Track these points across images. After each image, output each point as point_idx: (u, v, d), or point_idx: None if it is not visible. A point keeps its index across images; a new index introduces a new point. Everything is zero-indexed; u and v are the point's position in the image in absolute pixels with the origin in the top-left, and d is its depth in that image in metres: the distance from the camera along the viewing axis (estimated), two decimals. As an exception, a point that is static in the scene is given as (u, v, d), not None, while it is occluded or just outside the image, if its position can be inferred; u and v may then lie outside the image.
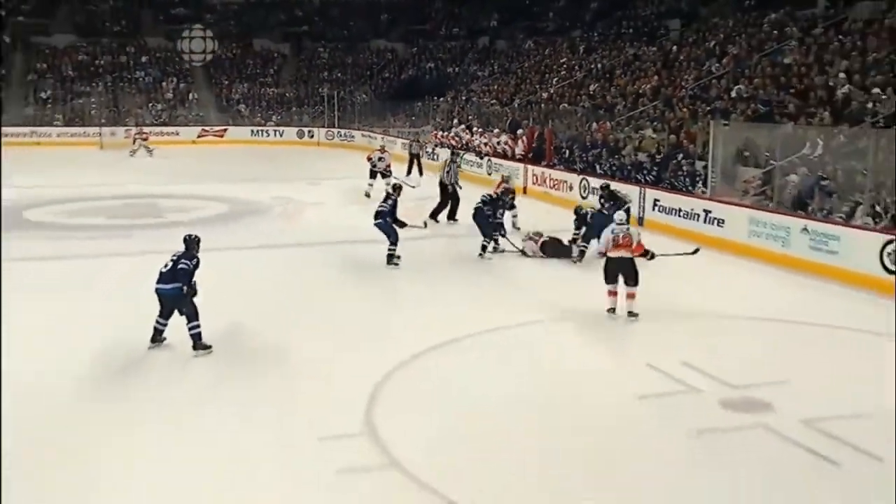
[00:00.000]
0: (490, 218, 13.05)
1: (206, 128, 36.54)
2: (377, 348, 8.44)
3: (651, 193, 15.48)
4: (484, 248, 12.90)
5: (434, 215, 15.65)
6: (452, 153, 17.43)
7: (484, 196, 13.42)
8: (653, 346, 8.59)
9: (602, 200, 13.98)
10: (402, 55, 42.82)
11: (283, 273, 12.09)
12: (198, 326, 8.26)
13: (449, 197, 15.95)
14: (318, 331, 9.20)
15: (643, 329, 9.35)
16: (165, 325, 8.41)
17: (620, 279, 9.53)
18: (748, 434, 6.61)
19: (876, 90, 14.96)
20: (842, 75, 16.16)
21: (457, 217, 15.76)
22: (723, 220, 13.66)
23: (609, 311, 9.58)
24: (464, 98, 32.63)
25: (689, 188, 15.22)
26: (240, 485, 5.83)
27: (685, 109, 18.81)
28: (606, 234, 9.69)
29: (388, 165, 19.24)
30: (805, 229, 12.09)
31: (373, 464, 6.08)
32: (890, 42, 16.71)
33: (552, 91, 26.99)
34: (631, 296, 9.55)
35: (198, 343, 8.26)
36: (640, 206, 15.50)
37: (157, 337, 8.43)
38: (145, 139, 30.22)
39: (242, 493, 5.73)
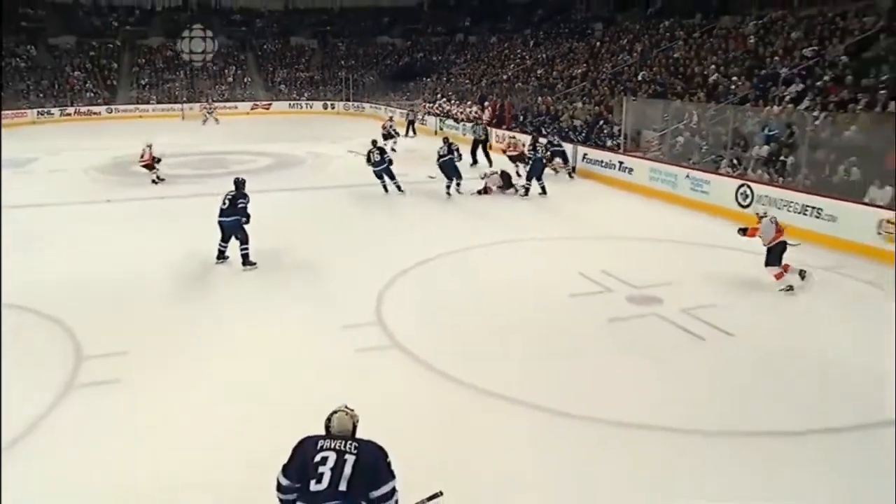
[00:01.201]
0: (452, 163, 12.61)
1: (257, 103, 35.62)
2: (383, 262, 8.39)
3: (581, 149, 15.27)
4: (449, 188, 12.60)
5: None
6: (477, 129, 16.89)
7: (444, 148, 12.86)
8: (582, 259, 8.57)
9: (531, 149, 13.32)
10: (399, 47, 41.55)
11: (313, 208, 11.95)
12: (248, 248, 8.17)
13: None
14: (339, 248, 9.19)
15: (576, 247, 9.36)
16: (226, 247, 8.34)
17: None
18: (645, 320, 6.71)
19: (735, 78, 14.86)
20: (712, 67, 15.95)
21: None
22: (631, 169, 13.56)
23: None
24: (445, 79, 31.81)
25: (608, 146, 15.06)
26: (283, 359, 5.88)
27: (605, 89, 18.47)
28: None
29: (395, 128, 19.24)
30: (687, 176, 12.05)
31: (382, 344, 6.14)
32: (743, 45, 16.53)
33: (510, 74, 26.35)
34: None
35: (247, 261, 8.18)
36: (574, 158, 15.35)
37: (221, 256, 8.37)
38: (211, 112, 29.54)
39: (286, 365, 5.78)
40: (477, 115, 21.58)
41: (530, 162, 12.85)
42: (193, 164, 16.62)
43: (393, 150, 16.93)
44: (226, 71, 38.50)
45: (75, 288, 7.50)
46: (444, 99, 25.68)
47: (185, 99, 34.63)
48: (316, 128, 26.78)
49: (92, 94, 34.03)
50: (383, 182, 12.88)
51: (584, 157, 15.10)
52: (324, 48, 42.25)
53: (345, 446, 3.04)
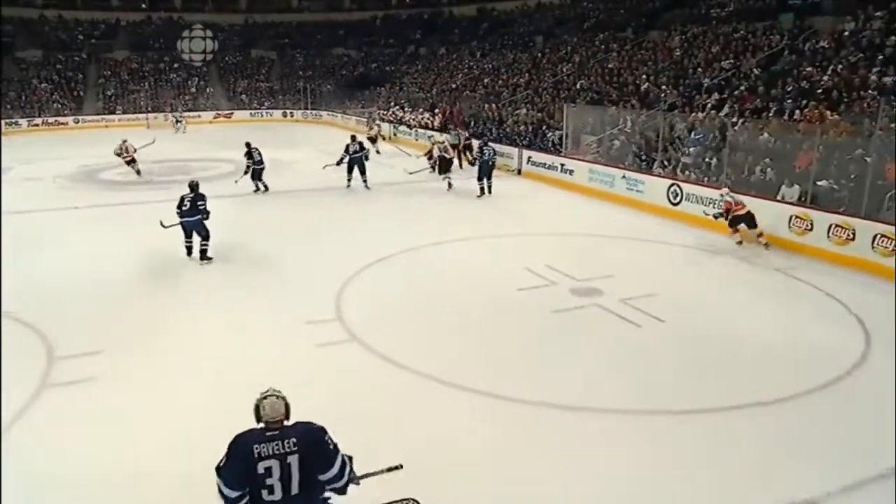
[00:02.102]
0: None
1: (219, 112, 34.80)
2: (342, 260, 8.28)
3: (526, 153, 15.38)
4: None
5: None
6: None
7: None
8: (529, 255, 8.59)
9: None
10: (354, 58, 41.06)
11: (274, 210, 11.78)
12: (207, 245, 8.41)
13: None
14: (300, 248, 9.05)
15: (523, 243, 9.38)
16: (191, 242, 8.52)
17: None
18: (586, 311, 6.79)
19: (664, 87, 15.14)
20: (644, 76, 16.28)
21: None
22: (572, 171, 13.68)
23: None
24: (398, 88, 31.65)
25: (551, 149, 15.23)
26: (248, 354, 5.75)
27: (547, 96, 18.65)
28: None
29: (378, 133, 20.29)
30: (623, 176, 12.27)
31: (342, 338, 6.06)
32: (670, 57, 16.91)
33: (458, 83, 26.37)
34: None
35: (205, 256, 8.42)
36: (518, 160, 15.46)
37: (190, 252, 8.54)
38: (180, 120, 29.07)
39: (250, 359, 5.65)
40: (428, 121, 21.55)
41: (478, 164, 12.91)
42: (158, 170, 16.08)
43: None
44: (189, 82, 37.59)
45: (49, 290, 7.23)
46: (398, 107, 25.54)
47: (149, 109, 33.75)
48: (276, 135, 26.21)
49: (59, 105, 32.90)
50: (350, 176, 13.43)
51: (528, 160, 15.23)
52: (283, 60, 41.48)
53: (283, 447, 2.81)
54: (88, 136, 26.35)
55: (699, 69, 15.25)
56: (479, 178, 12.67)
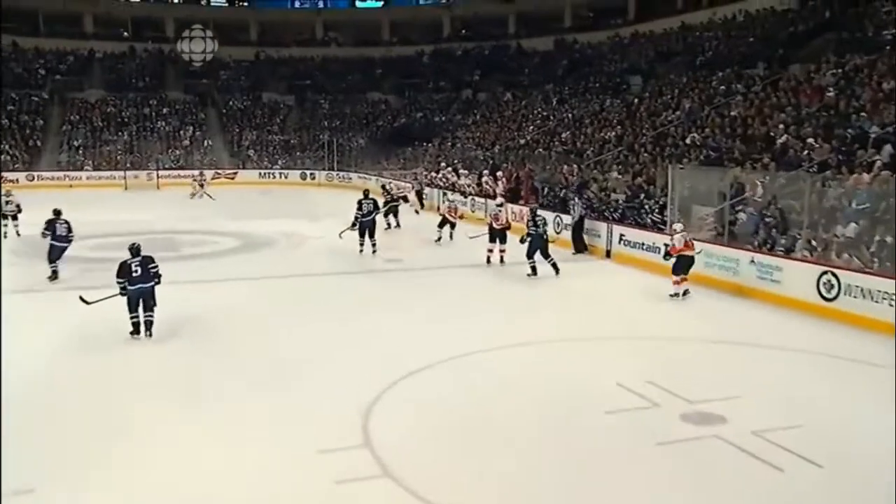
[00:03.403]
0: None
1: (219, 171, 36.44)
2: (371, 366, 8.40)
3: (618, 229, 15.56)
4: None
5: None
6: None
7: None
8: (621, 366, 8.57)
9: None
10: (394, 105, 43.05)
11: (285, 299, 12.16)
12: (154, 315, 9.51)
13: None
14: (316, 350, 9.20)
15: (612, 350, 9.37)
16: (139, 315, 9.44)
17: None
18: (704, 444, 6.62)
19: (810, 140, 15.12)
20: (780, 126, 16.40)
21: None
22: (680, 253, 13.72)
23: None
24: (449, 143, 32.79)
25: (651, 224, 15.31)
26: (240, 498, 5.75)
27: (646, 155, 18.98)
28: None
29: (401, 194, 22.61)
30: (752, 261, 12.19)
31: (369, 474, 6.03)
32: (819, 99, 16.99)
33: (528, 138, 27.17)
34: None
35: (150, 330, 9.46)
36: (608, 240, 15.59)
37: (139, 329, 9.47)
38: (203, 184, 29.90)
39: (243, 501, 5.68)
40: (489, 187, 22.11)
41: (529, 238, 13.47)
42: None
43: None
44: (181, 132, 39.66)
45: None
46: (449, 168, 26.32)
47: (128, 165, 35.53)
48: (292, 202, 27.40)
49: (8, 158, 34.64)
50: (363, 240, 15.58)
51: (620, 238, 15.35)
52: (302, 106, 43.77)
53: None
54: (45, 199, 27.79)
55: (862, 114, 15.22)
56: (529, 256, 13.44)
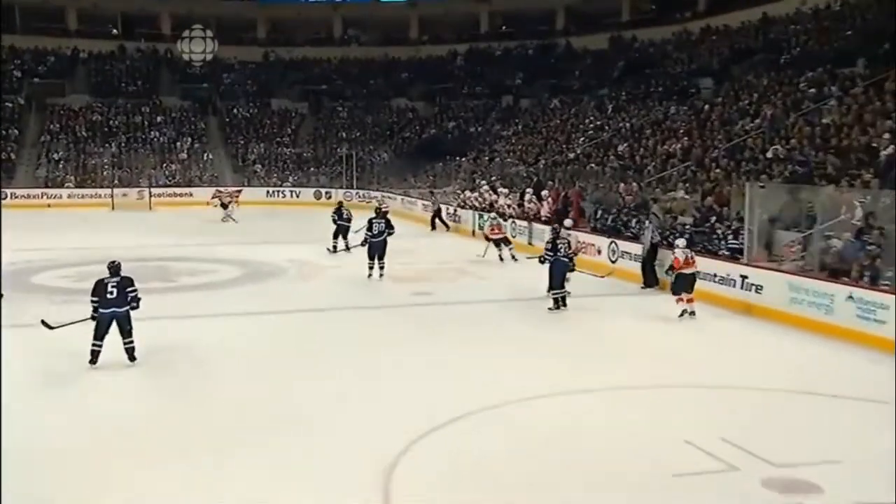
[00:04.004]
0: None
1: (221, 189, 36.73)
2: (394, 416, 8.38)
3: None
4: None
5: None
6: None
7: None
8: (690, 420, 8.44)
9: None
10: (423, 114, 43.42)
11: (294, 337, 12.18)
12: (133, 342, 10.00)
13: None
14: (330, 397, 9.17)
15: (681, 401, 9.25)
16: (102, 344, 9.90)
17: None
18: (794, 517, 6.45)
19: (921, 152, 14.94)
20: (886, 136, 16.16)
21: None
22: (761, 287, 13.53)
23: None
24: (486, 158, 32.88)
25: (725, 252, 15.11)
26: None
27: (719, 171, 18.82)
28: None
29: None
30: (850, 297, 11.95)
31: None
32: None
33: (579, 151, 27.15)
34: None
35: (133, 355, 10.00)
36: (672, 270, 15.39)
37: (97, 357, 9.89)
38: (228, 203, 29.97)
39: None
40: (532, 208, 22.06)
41: (548, 263, 13.83)
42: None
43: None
44: (178, 143, 40.37)
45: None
46: (487, 186, 26.26)
47: (116, 181, 36.17)
48: (304, 225, 27.56)
49: (-23, 172, 35.33)
50: (372, 263, 16.61)
51: (688, 269, 15.16)
52: (317, 114, 44.39)
53: None
54: (20, 221, 28.24)
55: None
56: (554, 286, 13.76)
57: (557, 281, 13.76)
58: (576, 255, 15.02)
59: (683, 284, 13.14)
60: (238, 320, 13.18)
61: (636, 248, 16.44)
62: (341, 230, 20.59)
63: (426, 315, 13.84)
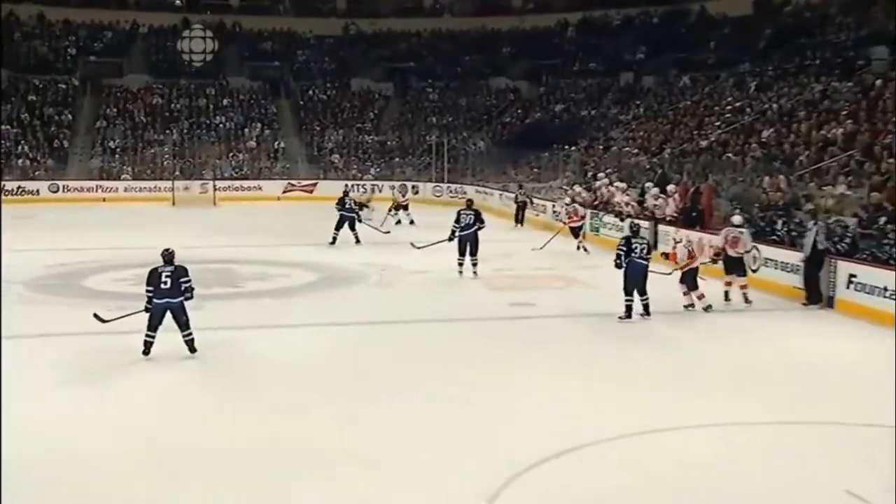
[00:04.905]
0: None
1: (293, 182, 37.42)
2: (486, 450, 8.31)
3: (846, 266, 14.93)
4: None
5: None
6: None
7: None
8: (851, 465, 8.12)
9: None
10: (526, 95, 43.25)
11: (378, 356, 12.16)
12: (191, 332, 11.16)
13: None
14: (410, 425, 9.16)
15: (839, 441, 8.94)
16: (155, 336, 11.05)
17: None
18: None
19: None
20: None
21: None
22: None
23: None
24: (601, 146, 32.55)
25: (897, 261, 14.60)
26: None
27: (892, 160, 18.19)
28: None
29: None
30: None
31: None
32: None
33: (714, 138, 26.62)
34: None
35: (193, 346, 11.16)
36: (829, 282, 14.96)
37: (150, 348, 11.00)
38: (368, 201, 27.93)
39: None
40: (656, 207, 21.70)
41: (622, 265, 13.91)
42: (203, 279, 17.46)
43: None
44: (246, 130, 41.12)
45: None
46: (606, 180, 25.88)
47: (177, 173, 37.10)
48: (387, 223, 27.71)
49: (28, 162, 36.95)
50: (461, 259, 17.37)
51: (849, 280, 14.76)
52: (403, 96, 44.73)
53: None
54: (72, 216, 29.33)
55: None
56: (629, 290, 13.93)
57: (631, 285, 13.88)
58: (716, 259, 15.30)
59: (690, 279, 14.39)
60: (309, 332, 13.34)
61: (785, 256, 16.06)
62: (344, 220, 22.41)
63: (525, 330, 13.72)
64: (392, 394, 10.27)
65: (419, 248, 18.62)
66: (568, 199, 23.50)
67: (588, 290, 16.94)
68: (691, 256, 14.35)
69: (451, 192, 36.00)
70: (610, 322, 13.99)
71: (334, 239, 22.28)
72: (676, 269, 14.52)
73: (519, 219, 27.61)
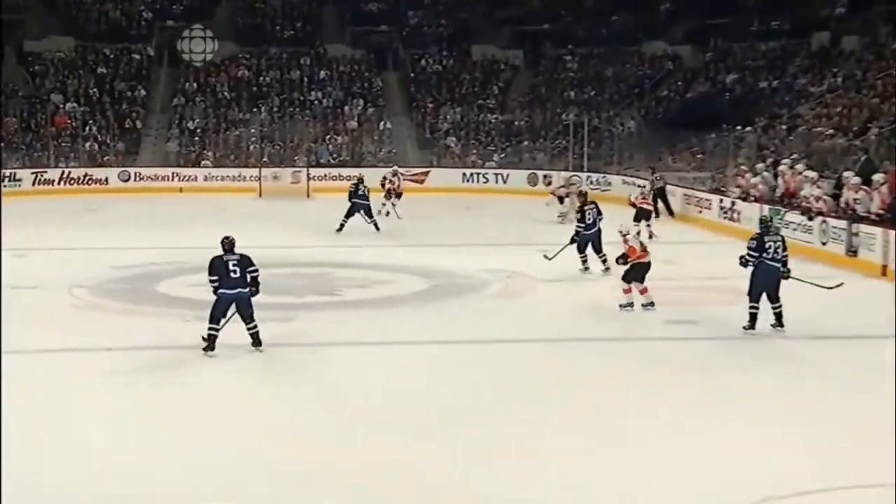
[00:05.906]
0: None
1: (401, 169, 37.26)
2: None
3: None
4: None
5: None
6: None
7: None
8: None
9: None
10: (688, 64, 42.57)
11: (500, 383, 11.91)
12: (257, 325, 12.17)
13: None
14: (550, 473, 8.95)
15: None
16: (219, 328, 12.02)
17: None
18: None
19: None
20: None
21: None
22: None
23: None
24: (785, 127, 31.76)
25: None
26: None
27: None
28: None
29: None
30: None
31: None
32: None
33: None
34: None
35: (258, 339, 12.20)
36: None
37: (213, 343, 12.00)
38: (567, 194, 27.63)
39: None
40: (855, 199, 21.07)
41: (751, 265, 13.90)
42: (274, 283, 17.51)
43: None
44: (346, 107, 41.40)
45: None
46: (789, 167, 25.16)
47: (265, 159, 37.77)
48: (513, 221, 27.80)
49: (95, 146, 38.12)
50: (584, 257, 18.45)
51: None
52: (535, 66, 44.50)
53: None
54: (145, 208, 30.30)
55: None
56: (753, 296, 13.97)
57: (757, 291, 13.92)
58: None
59: (636, 275, 15.41)
60: (415, 351, 13.30)
61: None
62: (357, 208, 24.87)
63: (685, 354, 13.43)
64: (510, 428, 10.09)
65: (550, 258, 18.60)
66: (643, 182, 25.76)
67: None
68: (644, 250, 15.59)
69: (591, 183, 35.09)
70: (792, 345, 13.73)
71: (342, 226, 24.76)
72: (633, 262, 15.42)
73: (668, 209, 28.91)
